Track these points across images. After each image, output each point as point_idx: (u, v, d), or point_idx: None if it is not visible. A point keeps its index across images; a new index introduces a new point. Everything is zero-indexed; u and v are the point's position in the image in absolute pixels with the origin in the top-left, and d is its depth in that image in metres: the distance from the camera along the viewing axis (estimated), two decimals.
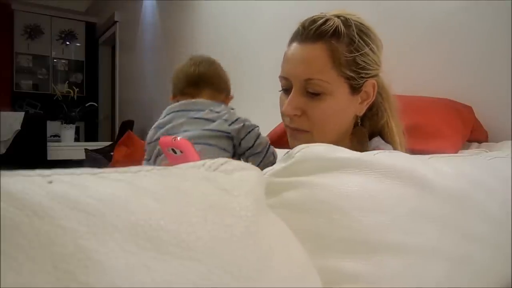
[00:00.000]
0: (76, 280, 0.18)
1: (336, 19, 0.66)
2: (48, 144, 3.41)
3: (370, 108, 0.73)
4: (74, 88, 4.17)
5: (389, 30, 1.21)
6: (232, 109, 0.85)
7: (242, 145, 0.81)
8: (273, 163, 0.80)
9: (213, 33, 2.44)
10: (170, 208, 0.23)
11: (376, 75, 0.70)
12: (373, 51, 0.68)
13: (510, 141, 0.94)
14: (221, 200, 0.26)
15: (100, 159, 2.72)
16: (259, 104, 1.84)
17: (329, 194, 0.36)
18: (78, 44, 5.23)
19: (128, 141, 2.52)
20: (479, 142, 1.03)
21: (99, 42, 5.15)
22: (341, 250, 0.34)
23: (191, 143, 0.64)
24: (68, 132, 3.88)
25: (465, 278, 0.41)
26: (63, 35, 5.13)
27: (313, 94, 0.67)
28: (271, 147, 0.86)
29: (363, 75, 0.68)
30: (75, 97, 4.09)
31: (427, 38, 1.19)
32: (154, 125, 0.87)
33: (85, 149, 3.05)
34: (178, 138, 0.65)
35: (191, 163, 0.31)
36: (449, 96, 1.04)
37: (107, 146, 3.21)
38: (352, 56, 0.66)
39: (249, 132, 0.81)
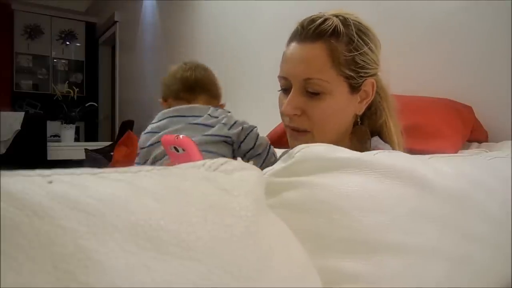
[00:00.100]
0: (76, 280, 0.18)
1: (335, 18, 0.66)
2: (48, 144, 3.41)
3: (368, 107, 0.74)
4: (74, 88, 4.16)
5: (389, 30, 1.21)
6: (229, 112, 0.85)
7: (242, 148, 0.81)
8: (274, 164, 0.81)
9: (213, 33, 2.44)
10: (170, 208, 0.23)
11: (375, 74, 0.71)
12: (372, 50, 0.68)
13: (510, 141, 0.94)
14: (221, 200, 0.26)
15: (100, 159, 2.72)
16: (259, 104, 1.84)
17: (329, 194, 0.36)
18: (78, 44, 5.23)
19: (128, 141, 2.53)
20: (479, 142, 1.03)
21: (99, 42, 5.15)
22: (341, 250, 0.34)
23: (193, 142, 0.64)
24: (68, 132, 3.87)
25: (465, 278, 0.41)
26: (63, 35, 5.12)
27: (313, 94, 0.67)
28: (271, 147, 0.86)
29: (362, 74, 0.68)
30: (75, 97, 4.08)
31: (427, 38, 1.19)
32: (147, 130, 0.86)
33: (85, 149, 3.05)
34: (181, 136, 0.65)
35: (191, 163, 0.31)
36: (449, 96, 1.04)
37: (107, 146, 3.21)
38: (351, 55, 0.66)
39: (248, 133, 0.81)
